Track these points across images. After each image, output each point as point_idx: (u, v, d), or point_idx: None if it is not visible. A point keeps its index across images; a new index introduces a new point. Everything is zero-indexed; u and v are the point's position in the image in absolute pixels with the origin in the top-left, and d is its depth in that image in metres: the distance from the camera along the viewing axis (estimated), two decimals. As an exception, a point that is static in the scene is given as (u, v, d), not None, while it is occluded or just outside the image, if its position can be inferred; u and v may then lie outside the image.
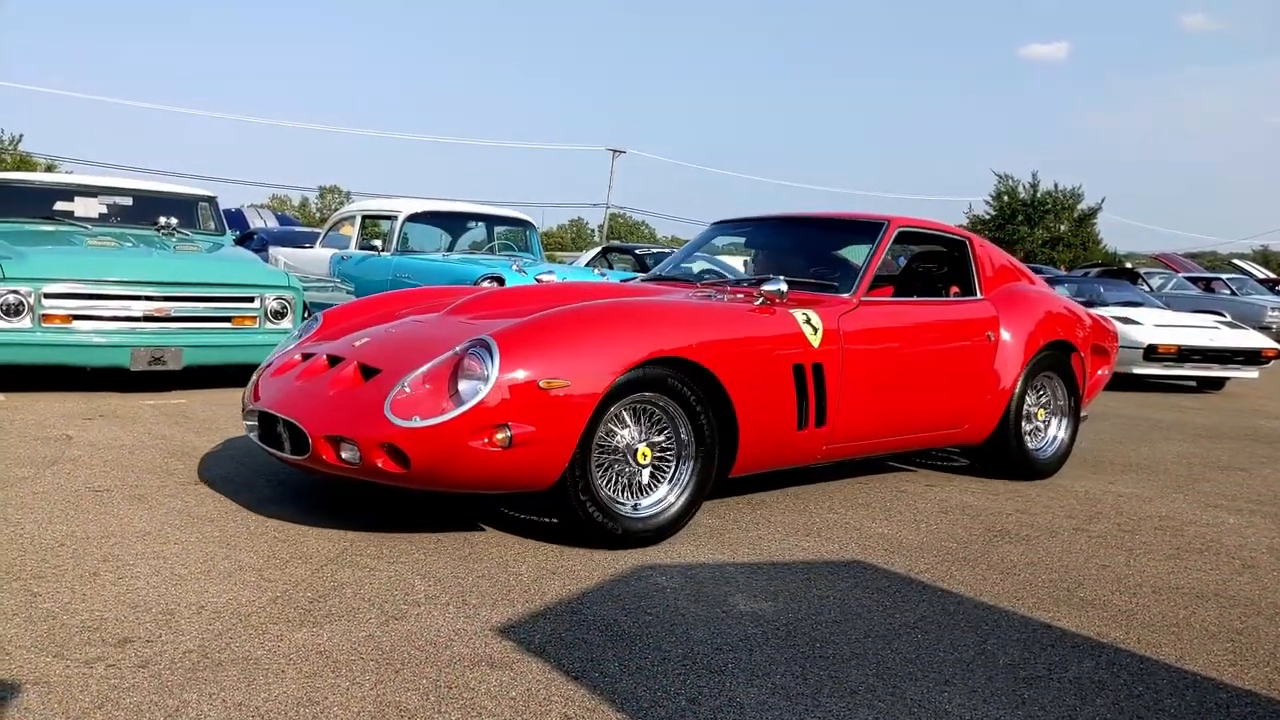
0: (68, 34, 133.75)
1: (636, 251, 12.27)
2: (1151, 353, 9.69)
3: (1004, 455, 4.92)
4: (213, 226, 8.12)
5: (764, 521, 3.91)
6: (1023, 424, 4.93)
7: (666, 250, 13.70)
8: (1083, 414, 5.52)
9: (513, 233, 9.64)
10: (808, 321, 3.97)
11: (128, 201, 7.91)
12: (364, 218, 9.52)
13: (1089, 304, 10.89)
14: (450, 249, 9.48)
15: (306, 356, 3.89)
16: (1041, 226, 42.36)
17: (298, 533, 3.42)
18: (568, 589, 3.00)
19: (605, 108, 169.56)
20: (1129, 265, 24.67)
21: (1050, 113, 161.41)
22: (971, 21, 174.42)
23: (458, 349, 3.32)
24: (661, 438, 3.58)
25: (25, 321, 5.79)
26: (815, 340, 3.95)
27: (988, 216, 44.05)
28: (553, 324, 3.39)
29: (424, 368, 3.32)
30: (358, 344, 3.79)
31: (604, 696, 2.28)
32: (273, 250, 11.02)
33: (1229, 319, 11.38)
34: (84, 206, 7.68)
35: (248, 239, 13.62)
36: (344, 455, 3.26)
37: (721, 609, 2.89)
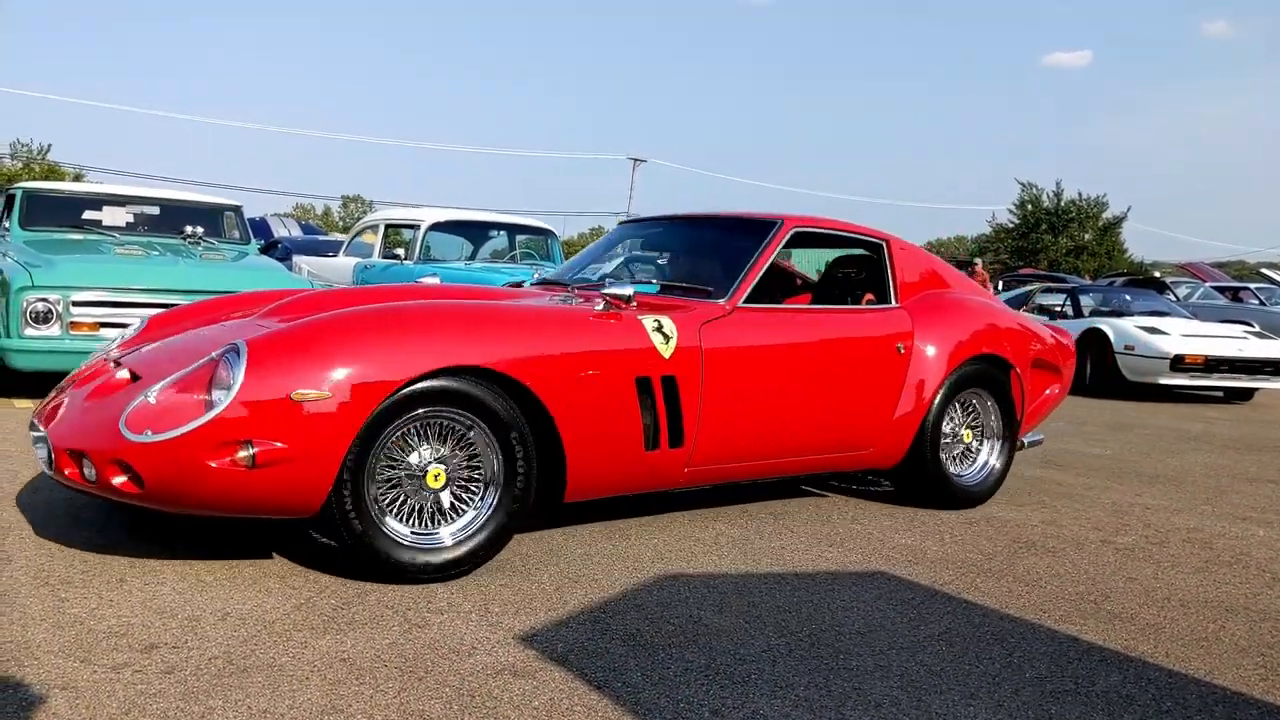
0: (96, 44, 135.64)
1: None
2: (1178, 363, 9.57)
3: (921, 481, 4.40)
4: (238, 235, 8.19)
5: (786, 532, 3.89)
6: (943, 447, 4.40)
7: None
8: (1036, 437, 5.16)
9: (534, 241, 9.67)
10: (659, 329, 3.54)
11: (155, 210, 7.99)
12: (387, 226, 9.58)
13: (1115, 314, 10.82)
14: (472, 257, 9.53)
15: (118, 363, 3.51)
16: (1065, 235, 42.05)
17: (322, 540, 3.43)
18: (590, 598, 2.99)
19: (626, 117, 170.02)
20: (1155, 274, 24.48)
21: (1074, 121, 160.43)
22: (995, 30, 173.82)
23: (214, 355, 2.97)
24: (467, 458, 3.17)
25: (54, 329, 5.86)
26: (667, 350, 3.52)
27: (1011, 225, 43.79)
28: (317, 329, 3.00)
29: (175, 376, 3.00)
30: (145, 349, 3.50)
31: (626, 706, 2.27)
32: (297, 259, 11.11)
33: (1257, 329, 11.25)
34: (111, 215, 7.76)
35: (272, 247, 13.74)
36: (84, 472, 2.94)
37: (745, 619, 2.88)
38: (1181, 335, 9.85)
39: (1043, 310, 11.55)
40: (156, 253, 7.02)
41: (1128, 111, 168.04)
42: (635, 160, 50.37)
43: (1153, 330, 9.86)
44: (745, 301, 3.90)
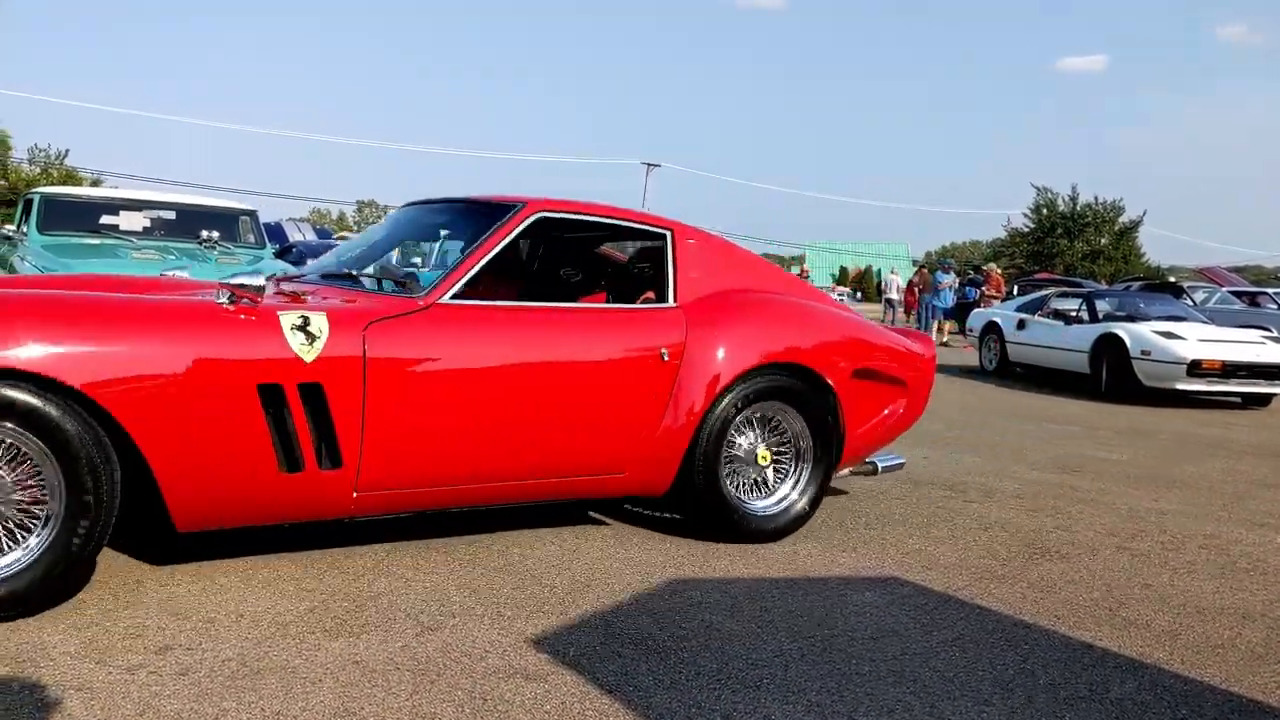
0: (113, 49, 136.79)
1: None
2: (1195, 368, 9.48)
3: (698, 511, 3.73)
4: (253, 240, 8.23)
5: (800, 537, 3.89)
6: (726, 471, 3.73)
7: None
8: (893, 460, 4.47)
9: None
10: (301, 328, 2.96)
11: (171, 215, 8.04)
12: (401, 231, 9.60)
13: (1131, 318, 10.72)
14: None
15: None
16: (1081, 240, 41.85)
17: (336, 543, 3.44)
18: (602, 602, 3.00)
19: (638, 120, 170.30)
20: (1172, 279, 24.30)
21: (1090, 125, 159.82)
22: (1008, 34, 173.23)
23: None
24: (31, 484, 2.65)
25: (71, 333, 5.90)
26: (310, 353, 2.94)
27: (1026, 229, 43.62)
28: None
29: None
30: None
31: (638, 710, 2.27)
32: (311, 263, 11.15)
33: (1275, 334, 11.15)
34: (128, 220, 7.82)
35: (287, 252, 13.79)
36: None
37: (757, 624, 2.88)
38: (1198, 340, 9.77)
39: (1059, 315, 11.48)
40: (172, 257, 7.06)
41: (1144, 115, 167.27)
42: (649, 165, 50.44)
43: (1169, 335, 9.78)
44: (460, 297, 3.35)
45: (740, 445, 3.79)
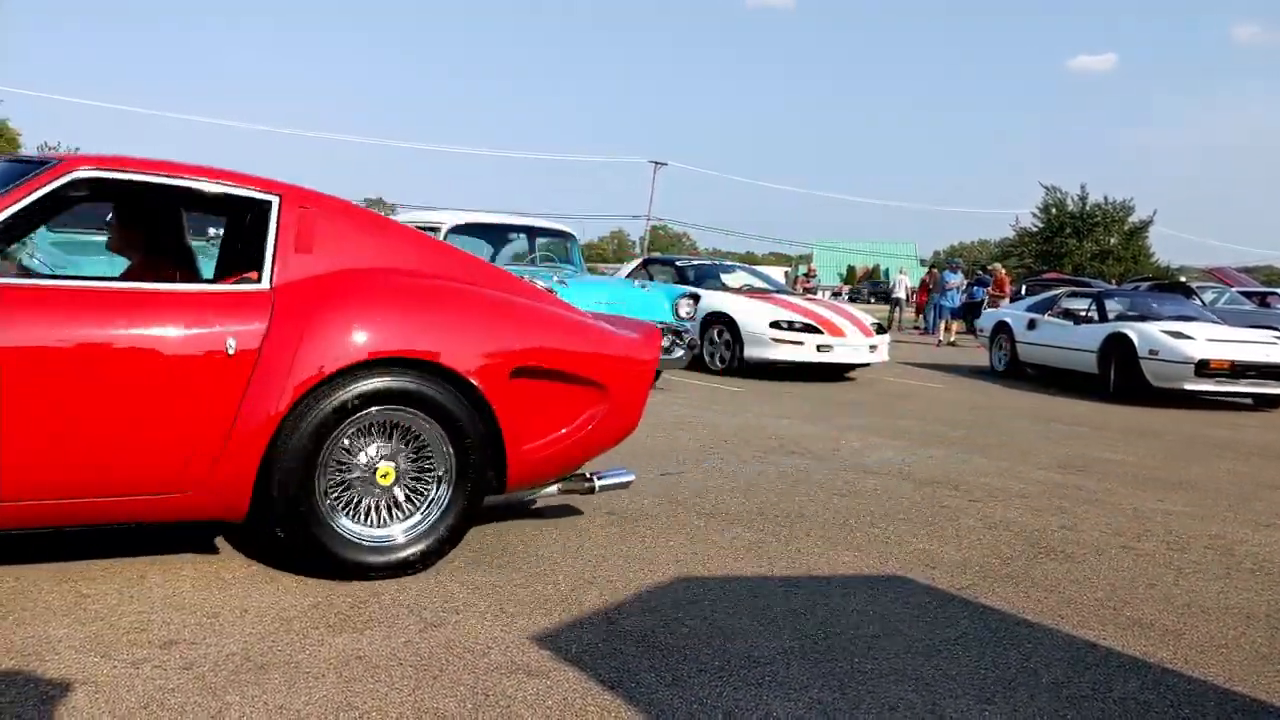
0: (121, 48, 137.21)
1: (677, 263, 12.28)
2: (1203, 368, 9.40)
3: (291, 538, 3.01)
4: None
5: (803, 536, 3.89)
6: (322, 491, 3.01)
7: (707, 261, 13.71)
8: (619, 477, 3.78)
9: (554, 244, 9.70)
10: None
11: (179, 212, 8.07)
12: (407, 229, 9.63)
13: (1141, 318, 10.66)
14: (492, 260, 9.58)
15: None
16: (1091, 239, 41.69)
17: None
18: (605, 599, 3.00)
19: (648, 121, 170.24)
20: (1181, 279, 24.19)
21: (1099, 124, 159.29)
22: (1018, 33, 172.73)
23: None
24: None
25: (80, 329, 5.93)
26: None
27: (1035, 229, 43.48)
28: None
29: None
30: None
31: (639, 707, 2.28)
32: None
33: None
34: (137, 217, 7.85)
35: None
36: None
37: (759, 621, 2.88)
38: (1207, 340, 9.69)
39: (1069, 314, 11.43)
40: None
41: (1153, 114, 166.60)
42: (656, 163, 50.45)
43: (1177, 335, 9.72)
44: None
45: (358, 460, 3.10)
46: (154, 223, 3.59)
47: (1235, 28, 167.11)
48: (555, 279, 7.87)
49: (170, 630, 2.56)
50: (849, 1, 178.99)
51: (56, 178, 2.89)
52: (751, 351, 9.98)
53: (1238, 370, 9.50)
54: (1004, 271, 20.51)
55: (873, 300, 50.95)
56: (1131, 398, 9.85)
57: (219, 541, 3.34)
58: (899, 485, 4.94)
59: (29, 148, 43.77)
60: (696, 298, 9.02)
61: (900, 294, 24.92)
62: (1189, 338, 9.67)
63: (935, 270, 23.39)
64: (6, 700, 2.13)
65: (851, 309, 11.59)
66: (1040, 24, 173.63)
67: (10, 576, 2.89)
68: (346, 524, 3.08)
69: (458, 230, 9.13)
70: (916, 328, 23.57)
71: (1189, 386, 9.49)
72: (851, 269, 71.30)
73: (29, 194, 2.85)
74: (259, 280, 3.10)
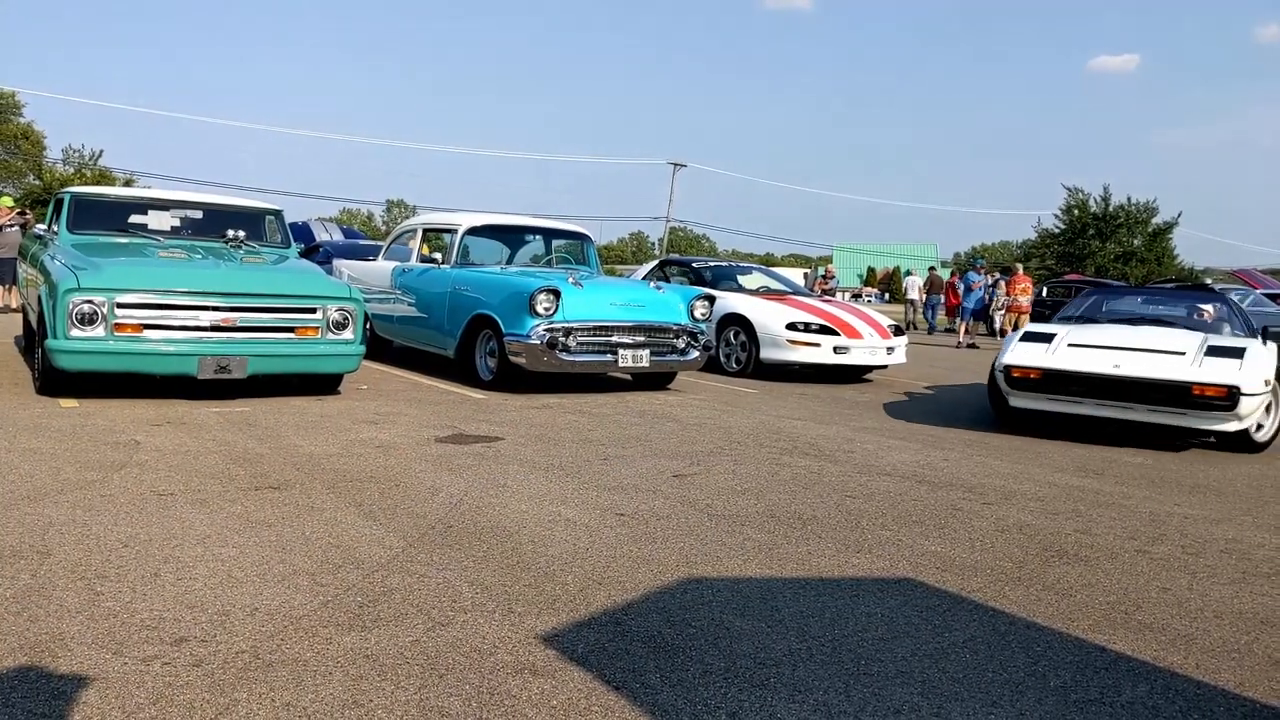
0: (147, 50, 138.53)
1: (693, 264, 12.27)
2: (1009, 376, 6.76)
3: None
4: (279, 239, 8.32)
5: (814, 537, 3.88)
6: None
7: (723, 262, 13.69)
8: None
9: (570, 246, 9.72)
10: None
11: (198, 215, 8.15)
12: (425, 231, 9.68)
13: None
14: (509, 262, 9.60)
15: None
16: (1114, 241, 41.31)
17: (351, 539, 3.48)
18: (613, 599, 3.01)
19: (667, 122, 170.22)
20: (1206, 281, 23.93)
21: (1123, 125, 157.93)
22: (1040, 35, 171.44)
23: None
24: None
25: (99, 330, 5.99)
26: None
27: (1057, 230, 43.14)
28: None
29: None
30: None
31: (644, 708, 2.28)
32: (336, 263, 11.25)
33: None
34: (157, 219, 7.93)
35: (313, 251, 13.90)
36: None
37: (767, 623, 2.88)
38: (1068, 345, 7.02)
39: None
40: (199, 256, 7.16)
41: (1178, 115, 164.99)
42: (675, 165, 50.38)
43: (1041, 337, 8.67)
44: None
45: None
46: None
47: (1258, 28, 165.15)
48: (570, 280, 7.89)
49: (181, 628, 2.58)
50: (868, 2, 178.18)
51: None
52: (767, 353, 9.96)
53: (1055, 383, 6.86)
54: (1021, 270, 20.29)
55: (886, 299, 50.73)
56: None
57: (230, 541, 3.37)
58: (913, 488, 4.92)
59: (54, 151, 44.16)
60: (712, 299, 9.01)
61: (913, 295, 24.99)
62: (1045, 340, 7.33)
63: (935, 272, 23.51)
64: (19, 696, 2.16)
65: (869, 310, 11.55)
66: (1063, 25, 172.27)
67: (26, 573, 2.93)
68: None
69: (474, 232, 9.17)
70: (948, 328, 23.48)
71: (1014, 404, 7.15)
72: (871, 270, 70.99)
73: None
74: None
